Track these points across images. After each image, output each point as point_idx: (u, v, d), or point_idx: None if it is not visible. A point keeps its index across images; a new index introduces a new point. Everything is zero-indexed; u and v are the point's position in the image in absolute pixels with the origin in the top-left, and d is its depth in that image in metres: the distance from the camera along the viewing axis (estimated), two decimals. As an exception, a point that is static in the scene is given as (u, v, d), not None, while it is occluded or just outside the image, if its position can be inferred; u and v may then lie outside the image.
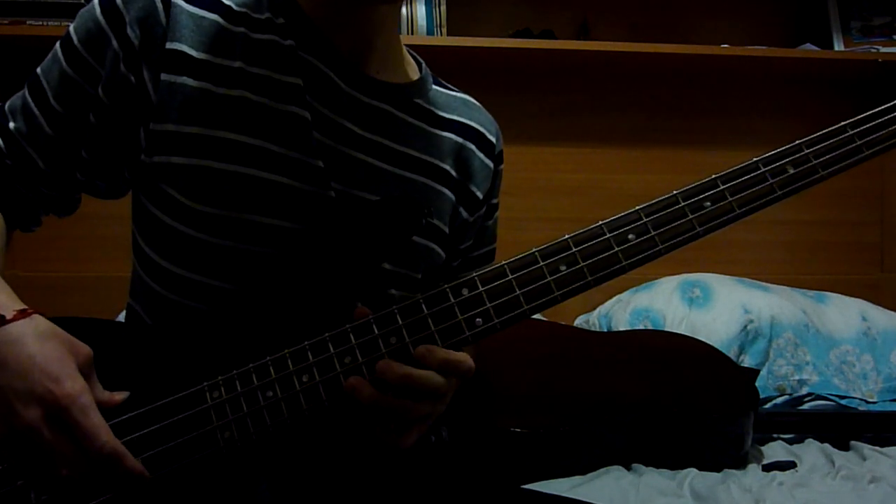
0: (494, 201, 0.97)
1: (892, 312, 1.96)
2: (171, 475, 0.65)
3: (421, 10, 2.01)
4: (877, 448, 1.49)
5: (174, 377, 0.68)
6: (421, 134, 0.86)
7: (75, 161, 0.79)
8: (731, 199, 0.72)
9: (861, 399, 1.74)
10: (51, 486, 0.62)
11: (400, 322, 0.69)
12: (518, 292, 0.70)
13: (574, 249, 0.71)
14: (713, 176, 0.73)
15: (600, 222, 0.72)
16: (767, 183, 0.73)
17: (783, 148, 0.74)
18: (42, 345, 0.62)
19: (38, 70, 0.78)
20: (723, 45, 2.10)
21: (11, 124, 0.78)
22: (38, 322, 0.64)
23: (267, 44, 0.77)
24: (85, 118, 0.77)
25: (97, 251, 1.97)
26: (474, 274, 0.71)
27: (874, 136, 0.74)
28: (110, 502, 0.63)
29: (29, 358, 0.61)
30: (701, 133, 2.22)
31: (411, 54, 0.93)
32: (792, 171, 0.73)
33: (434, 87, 0.92)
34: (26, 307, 0.65)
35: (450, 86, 0.96)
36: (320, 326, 0.70)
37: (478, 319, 0.69)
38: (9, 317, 0.63)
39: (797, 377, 1.76)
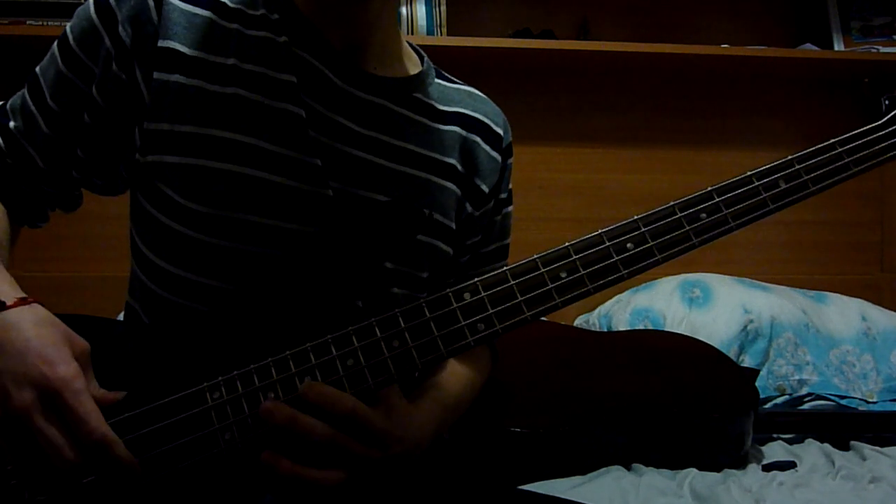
0: (503, 196, 0.95)
1: (892, 312, 1.96)
2: (171, 477, 0.65)
3: (421, 10, 2.01)
4: (877, 448, 1.48)
5: (173, 377, 0.68)
6: (421, 129, 0.86)
7: (71, 159, 0.79)
8: (725, 211, 0.74)
9: (861, 399, 1.74)
10: (42, 473, 0.62)
11: (402, 325, 0.69)
12: (520, 299, 0.70)
13: (574, 257, 0.71)
14: (709, 188, 0.75)
15: (599, 231, 0.73)
16: (761, 196, 0.74)
17: (776, 163, 0.76)
18: (39, 330, 0.63)
19: (37, 69, 0.79)
20: (723, 45, 2.10)
21: (11, 123, 0.79)
22: (38, 310, 0.65)
23: (261, 40, 0.77)
24: (80, 117, 0.77)
25: (97, 251, 1.97)
26: (476, 279, 0.71)
27: (861, 154, 0.77)
28: (105, 500, 0.63)
29: (25, 342, 0.62)
30: (701, 133, 2.22)
31: (414, 49, 0.92)
32: (784, 186, 0.75)
33: (437, 80, 0.91)
34: (27, 296, 0.66)
35: (455, 79, 0.94)
36: (321, 327, 0.69)
37: (480, 325, 0.70)
38: (9, 303, 0.64)
39: (797, 377, 1.77)
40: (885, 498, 1.23)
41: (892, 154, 0.76)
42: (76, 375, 0.62)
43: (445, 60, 1.01)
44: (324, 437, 0.64)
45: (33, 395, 0.60)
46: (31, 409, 0.60)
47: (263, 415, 0.64)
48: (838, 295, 2.01)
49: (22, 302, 0.65)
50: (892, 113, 0.78)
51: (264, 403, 0.65)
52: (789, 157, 0.76)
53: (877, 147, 0.77)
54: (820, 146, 0.77)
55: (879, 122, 0.78)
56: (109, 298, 1.23)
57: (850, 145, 0.77)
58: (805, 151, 0.77)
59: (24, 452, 0.62)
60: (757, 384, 1.57)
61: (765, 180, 0.75)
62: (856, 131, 0.78)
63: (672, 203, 0.74)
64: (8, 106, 0.81)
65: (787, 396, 1.75)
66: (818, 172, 0.76)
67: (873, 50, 2.12)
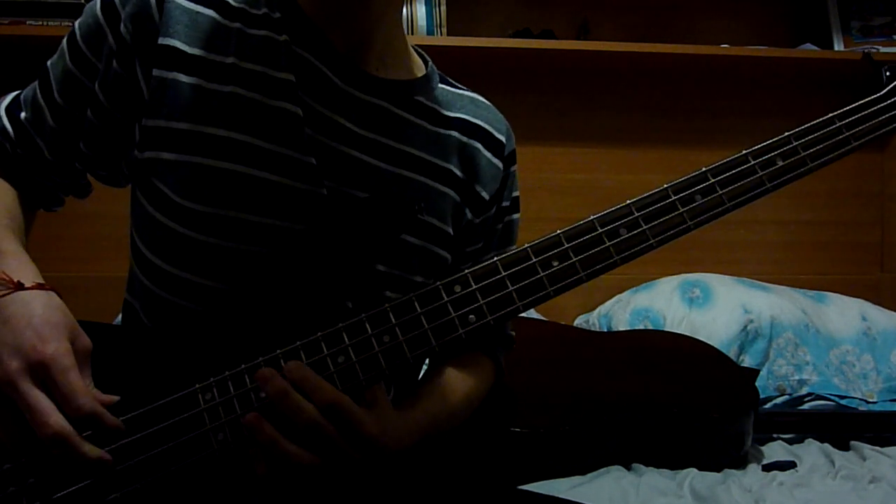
0: (505, 203, 0.94)
1: (892, 312, 1.95)
2: (165, 479, 0.65)
3: (421, 10, 2.02)
4: (877, 448, 1.48)
5: (166, 379, 0.68)
6: (421, 132, 0.85)
7: (75, 152, 0.80)
8: (721, 191, 0.72)
9: (861, 399, 1.74)
10: (26, 447, 0.63)
11: (393, 321, 0.69)
12: (511, 288, 0.69)
13: (566, 245, 0.71)
14: (703, 169, 0.74)
15: (591, 217, 0.72)
16: (757, 175, 0.73)
17: (772, 140, 0.74)
18: (45, 312, 0.65)
19: (48, 63, 0.81)
20: (723, 45, 2.10)
21: (23, 114, 0.81)
22: (52, 297, 0.67)
23: (262, 39, 0.77)
24: (84, 113, 0.78)
25: (97, 251, 1.97)
26: (466, 271, 0.71)
27: (861, 126, 0.75)
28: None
29: (28, 318, 0.64)
30: (701, 133, 2.22)
31: (418, 52, 0.92)
32: (781, 163, 0.73)
33: (440, 85, 0.90)
34: (45, 283, 0.68)
35: (459, 84, 0.94)
36: (313, 326, 0.69)
37: (471, 316, 0.69)
38: (27, 285, 0.66)
39: (797, 377, 1.76)
40: (885, 498, 1.23)
41: (893, 126, 0.74)
42: (66, 353, 0.63)
43: (445, 60, 1.00)
44: (309, 420, 0.63)
45: (21, 365, 0.62)
46: (17, 377, 0.61)
47: (259, 380, 0.64)
48: (838, 295, 2.00)
49: (40, 287, 0.67)
50: (893, 84, 0.76)
51: (262, 369, 0.65)
52: (786, 134, 0.74)
53: (878, 119, 0.75)
54: (818, 121, 0.75)
55: (880, 93, 0.76)
56: (109, 298, 1.23)
57: (850, 118, 0.75)
58: (802, 127, 0.75)
59: (10, 423, 0.62)
60: (757, 384, 1.57)
61: (761, 158, 0.73)
62: (855, 104, 0.75)
63: (666, 185, 0.73)
64: (21, 97, 0.82)
65: (787, 396, 1.74)
66: (816, 148, 0.74)
67: (873, 50, 2.11)
